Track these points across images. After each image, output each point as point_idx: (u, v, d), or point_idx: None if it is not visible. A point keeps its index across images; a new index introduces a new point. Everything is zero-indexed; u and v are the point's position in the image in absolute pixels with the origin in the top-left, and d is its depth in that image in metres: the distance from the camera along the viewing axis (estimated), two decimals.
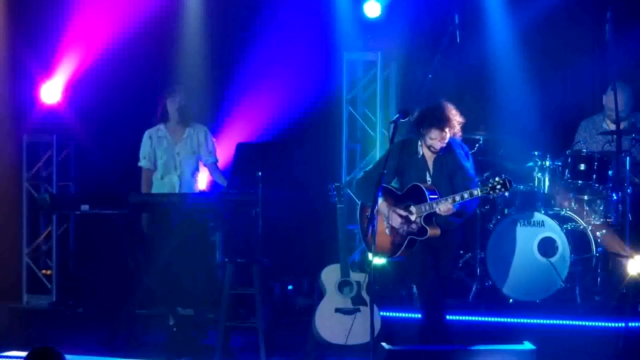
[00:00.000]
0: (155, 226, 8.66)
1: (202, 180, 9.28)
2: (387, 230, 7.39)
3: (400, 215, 7.29)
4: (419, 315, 7.58)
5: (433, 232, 7.22)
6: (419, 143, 7.38)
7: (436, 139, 7.25)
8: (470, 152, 7.65)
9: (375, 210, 7.03)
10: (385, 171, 7.14)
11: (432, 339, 7.22)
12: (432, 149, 7.30)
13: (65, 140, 10.28)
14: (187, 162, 8.95)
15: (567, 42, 9.94)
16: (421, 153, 7.39)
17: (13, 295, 10.05)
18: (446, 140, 7.27)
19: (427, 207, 7.18)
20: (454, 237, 7.43)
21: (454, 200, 7.09)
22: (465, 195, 7.10)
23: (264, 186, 8.27)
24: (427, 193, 7.21)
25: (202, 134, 8.98)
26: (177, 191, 8.85)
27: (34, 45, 10.22)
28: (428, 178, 7.35)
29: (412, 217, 7.24)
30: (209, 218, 8.61)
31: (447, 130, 7.23)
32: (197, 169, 9.03)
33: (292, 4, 10.09)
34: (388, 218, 7.35)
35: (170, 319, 8.63)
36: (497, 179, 7.06)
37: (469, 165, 7.38)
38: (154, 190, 8.91)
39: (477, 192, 7.09)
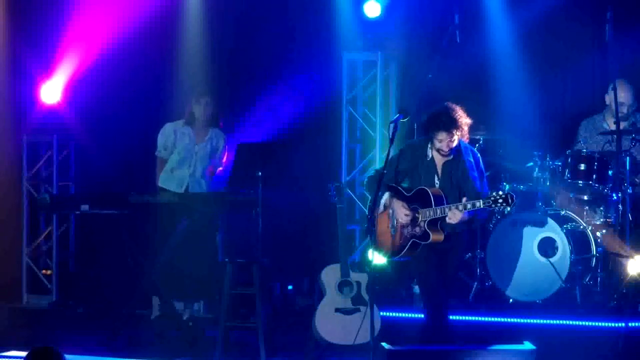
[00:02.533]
0: (155, 226, 8.67)
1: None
2: (391, 230, 7.37)
3: (406, 214, 7.25)
4: (419, 315, 7.58)
5: (436, 237, 7.19)
6: (429, 146, 7.36)
7: (444, 141, 7.22)
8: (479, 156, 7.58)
9: (375, 212, 7.07)
10: (385, 171, 7.16)
11: (434, 339, 7.20)
12: (441, 152, 7.27)
13: (65, 140, 10.28)
14: (202, 162, 9.03)
15: (567, 42, 9.93)
16: (430, 156, 7.35)
17: (13, 295, 10.05)
18: (454, 143, 7.24)
19: (432, 212, 7.16)
20: (460, 240, 7.40)
21: (464, 208, 7.05)
22: (469, 206, 7.07)
23: (264, 186, 8.27)
24: (433, 198, 7.19)
25: (222, 141, 9.11)
26: (184, 187, 8.92)
27: (34, 45, 10.22)
28: (436, 181, 7.32)
29: (418, 220, 7.21)
30: (211, 218, 8.63)
31: (455, 132, 7.20)
32: (209, 171, 9.06)
33: (292, 4, 10.09)
34: (394, 212, 7.30)
35: (171, 318, 8.65)
36: (500, 192, 6.98)
37: (477, 174, 7.33)
38: (161, 183, 8.96)
39: (479, 203, 7.05)
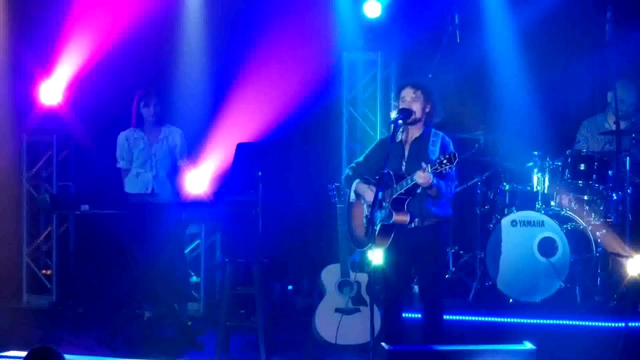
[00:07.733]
0: (153, 226, 8.68)
1: (202, 181, 9.28)
2: (364, 220, 7.32)
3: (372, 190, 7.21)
4: (418, 315, 7.57)
5: (400, 217, 7.10)
6: (400, 130, 7.32)
7: (406, 100, 7.18)
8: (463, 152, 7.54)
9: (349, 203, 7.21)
10: (360, 159, 7.38)
11: (387, 339, 7.07)
12: (403, 114, 7.19)
13: (65, 141, 10.28)
14: (163, 162, 9.04)
15: (568, 42, 9.94)
16: (399, 139, 7.32)
17: (13, 295, 10.05)
18: (418, 105, 7.19)
19: (393, 191, 7.11)
20: (433, 235, 7.27)
21: (416, 178, 6.97)
22: (420, 173, 6.95)
23: (264, 186, 8.27)
24: (394, 178, 7.14)
25: (177, 136, 9.09)
26: (149, 190, 8.96)
27: (34, 45, 10.22)
28: (403, 163, 7.26)
29: (384, 202, 7.14)
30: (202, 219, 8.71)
31: (418, 90, 7.19)
32: (171, 170, 9.08)
33: (293, 4, 10.09)
34: (364, 198, 7.27)
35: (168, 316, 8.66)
36: (446, 155, 6.95)
37: (437, 155, 7.23)
38: (127, 189, 8.99)
39: (427, 167, 6.97)
